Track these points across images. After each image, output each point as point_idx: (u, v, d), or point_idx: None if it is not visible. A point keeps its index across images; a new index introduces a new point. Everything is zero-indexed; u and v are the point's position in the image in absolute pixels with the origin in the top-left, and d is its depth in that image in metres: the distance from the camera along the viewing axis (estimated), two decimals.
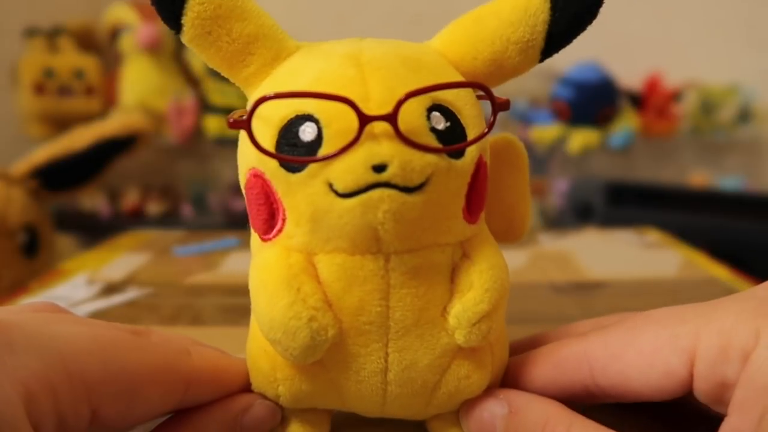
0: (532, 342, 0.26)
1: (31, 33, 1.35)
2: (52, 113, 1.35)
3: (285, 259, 0.20)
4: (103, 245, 0.57)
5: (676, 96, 1.41)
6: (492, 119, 0.21)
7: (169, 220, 1.43)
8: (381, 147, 0.18)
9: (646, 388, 0.20)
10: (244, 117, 0.20)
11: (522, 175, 0.26)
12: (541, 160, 1.45)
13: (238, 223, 1.37)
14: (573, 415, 0.21)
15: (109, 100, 1.38)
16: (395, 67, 0.20)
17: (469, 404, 0.23)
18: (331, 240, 0.20)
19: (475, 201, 0.21)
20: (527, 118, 1.40)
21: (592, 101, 1.34)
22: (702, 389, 0.19)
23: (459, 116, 0.20)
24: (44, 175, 0.72)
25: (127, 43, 1.33)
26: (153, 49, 1.32)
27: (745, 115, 1.40)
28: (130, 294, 0.43)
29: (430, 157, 0.19)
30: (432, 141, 0.19)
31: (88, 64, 1.36)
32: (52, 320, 0.20)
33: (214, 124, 1.33)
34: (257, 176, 0.21)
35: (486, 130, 0.21)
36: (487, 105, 0.22)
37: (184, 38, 0.21)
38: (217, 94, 1.33)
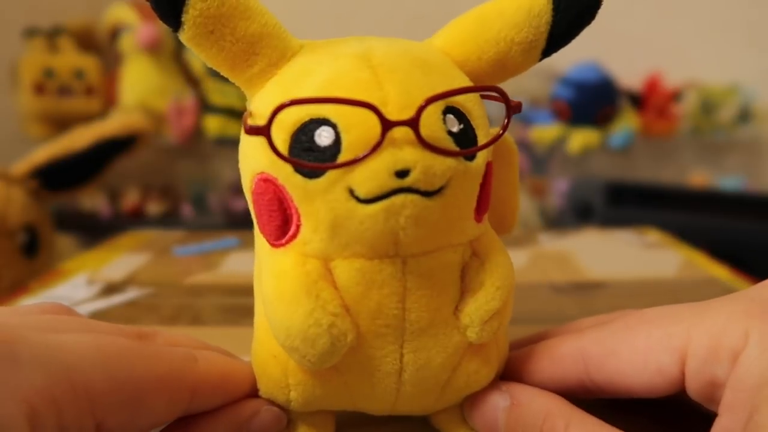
0: (531, 339, 0.26)
1: (31, 33, 1.35)
2: (52, 113, 1.35)
3: (301, 266, 0.20)
4: (103, 245, 0.57)
5: (676, 96, 1.41)
6: (506, 122, 0.21)
7: (169, 220, 1.43)
8: (403, 152, 0.18)
9: (639, 385, 0.20)
10: (259, 122, 0.19)
11: (513, 170, 0.26)
12: (541, 160, 1.45)
13: (238, 223, 1.37)
14: (573, 409, 0.21)
15: (109, 100, 1.38)
16: (408, 70, 0.20)
17: (472, 396, 0.23)
18: (350, 245, 0.20)
19: (483, 200, 0.22)
20: (527, 118, 1.40)
21: (592, 101, 1.34)
22: (693, 388, 0.19)
23: (470, 118, 0.20)
24: (44, 175, 0.72)
25: (127, 43, 1.34)
26: (153, 49, 1.32)
27: (745, 115, 1.40)
28: (130, 294, 0.43)
29: (450, 161, 0.19)
30: (450, 144, 0.19)
31: (88, 64, 1.36)
32: (59, 326, 0.20)
33: (214, 124, 1.33)
34: (268, 181, 0.20)
35: (501, 131, 0.21)
36: (489, 104, 0.22)
37: (184, 37, 0.20)
38: (217, 94, 1.33)
